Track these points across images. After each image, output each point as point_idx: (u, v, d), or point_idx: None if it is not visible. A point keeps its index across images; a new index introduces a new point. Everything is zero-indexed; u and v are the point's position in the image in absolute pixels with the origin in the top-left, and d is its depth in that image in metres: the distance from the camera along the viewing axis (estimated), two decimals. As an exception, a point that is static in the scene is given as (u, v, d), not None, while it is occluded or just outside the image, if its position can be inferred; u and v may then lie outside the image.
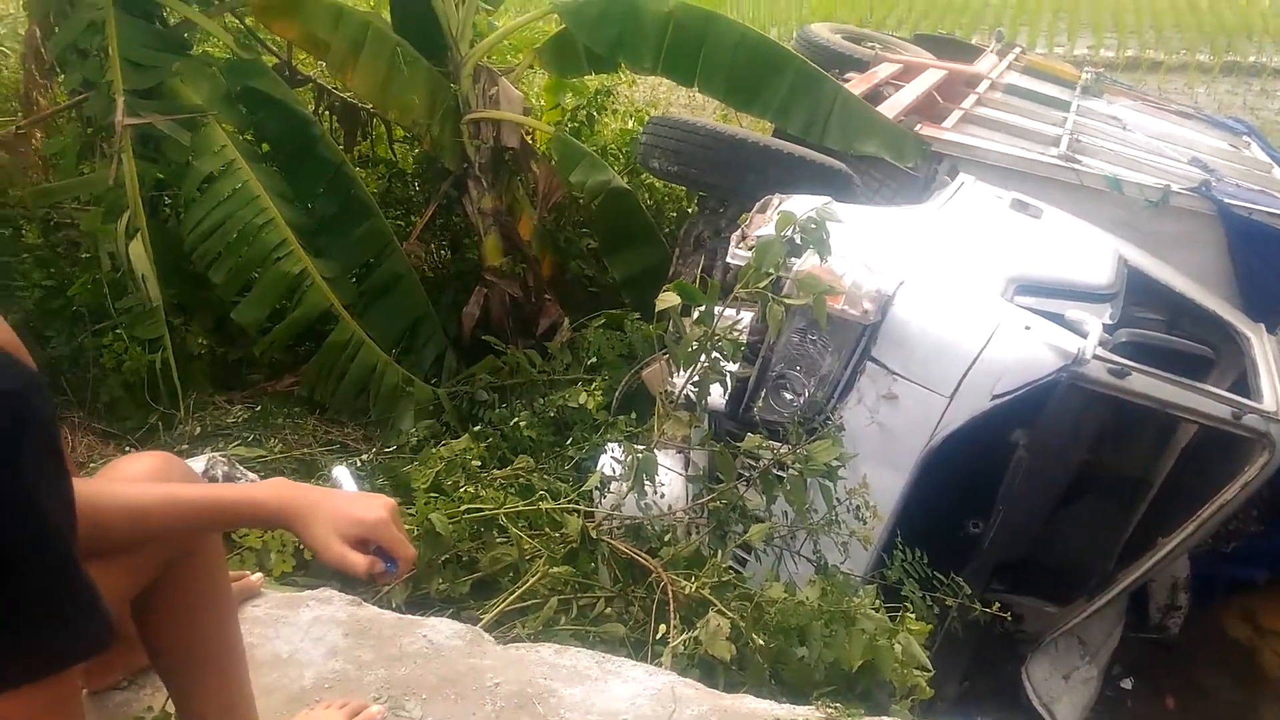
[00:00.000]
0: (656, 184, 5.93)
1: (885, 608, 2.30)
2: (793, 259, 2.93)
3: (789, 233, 2.38)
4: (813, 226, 2.35)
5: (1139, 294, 3.78)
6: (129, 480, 1.26)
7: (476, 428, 3.64)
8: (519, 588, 2.38)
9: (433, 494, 2.70)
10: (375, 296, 4.64)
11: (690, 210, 5.46)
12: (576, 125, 5.62)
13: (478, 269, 4.99)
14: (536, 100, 6.02)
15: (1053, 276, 3.51)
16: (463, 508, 2.58)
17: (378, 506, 1.26)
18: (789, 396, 3.24)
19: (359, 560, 1.22)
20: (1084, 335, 3.07)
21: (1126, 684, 4.07)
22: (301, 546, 2.25)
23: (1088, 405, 3.19)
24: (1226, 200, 3.99)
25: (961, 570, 3.35)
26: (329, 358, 4.19)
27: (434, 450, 3.04)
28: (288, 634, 1.78)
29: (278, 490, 1.24)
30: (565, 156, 4.86)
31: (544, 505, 2.49)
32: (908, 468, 3.07)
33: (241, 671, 1.39)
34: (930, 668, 2.11)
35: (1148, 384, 3.06)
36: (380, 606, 1.96)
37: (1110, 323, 3.40)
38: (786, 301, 2.42)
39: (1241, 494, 3.18)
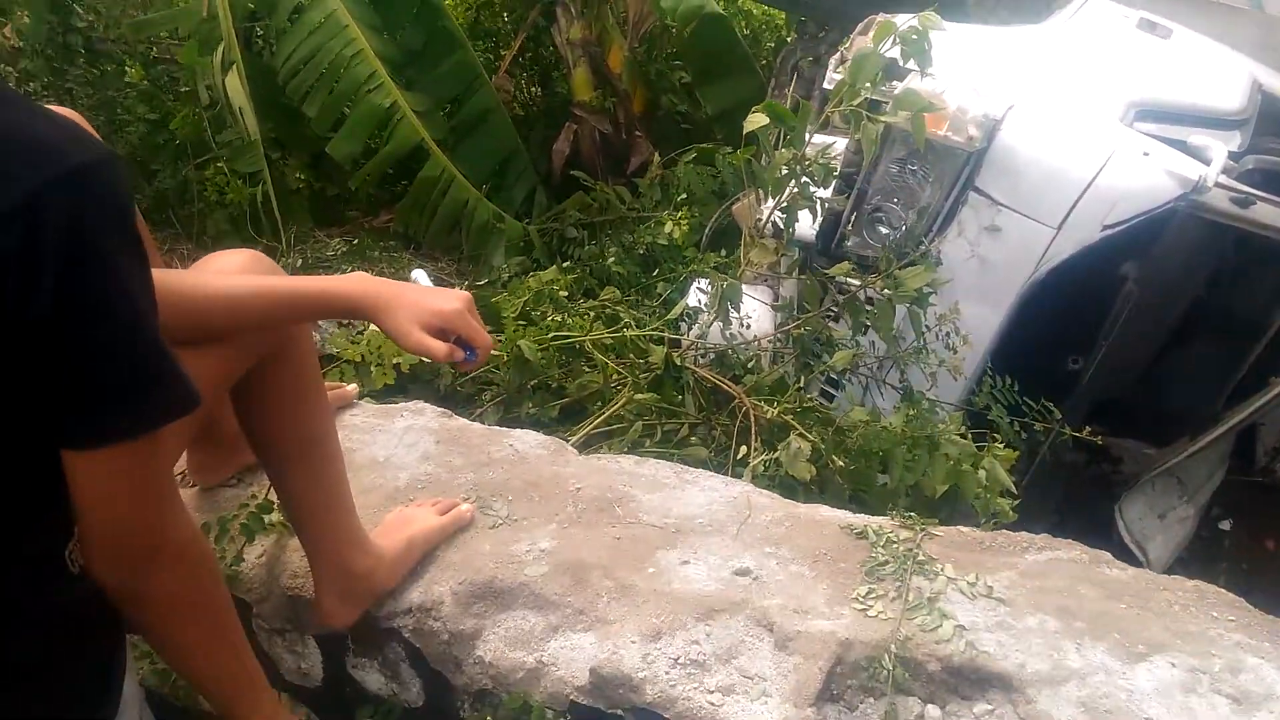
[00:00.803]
0: (754, 10, 5.64)
1: (973, 435, 2.29)
2: (894, 81, 2.79)
3: (888, 44, 2.23)
4: (914, 37, 2.20)
5: (1274, 123, 3.48)
6: (221, 273, 1.31)
7: (565, 263, 3.66)
8: (605, 412, 2.44)
9: (521, 322, 2.75)
10: (466, 132, 4.62)
11: (789, 39, 5.20)
12: (668, -52, 5.33)
13: (567, 104, 4.90)
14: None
15: (1178, 100, 3.25)
16: (550, 335, 2.62)
17: (454, 298, 1.29)
18: (884, 230, 3.14)
19: (439, 346, 1.25)
20: (1207, 162, 2.85)
21: (1225, 525, 3.98)
22: (399, 360, 2.34)
23: (1206, 237, 3.00)
24: (1387, 14, 3.59)
25: (1059, 407, 3.31)
26: (421, 193, 4.23)
27: (523, 281, 3.08)
28: (384, 440, 1.87)
29: (361, 283, 1.28)
30: (657, -24, 4.64)
31: (629, 334, 2.51)
32: (1007, 303, 2.96)
33: (338, 465, 1.46)
34: (1016, 494, 2.09)
35: (1274, 214, 2.84)
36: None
37: (1238, 150, 3.15)
38: (883, 119, 2.30)
39: (1369, 334, 3.00)
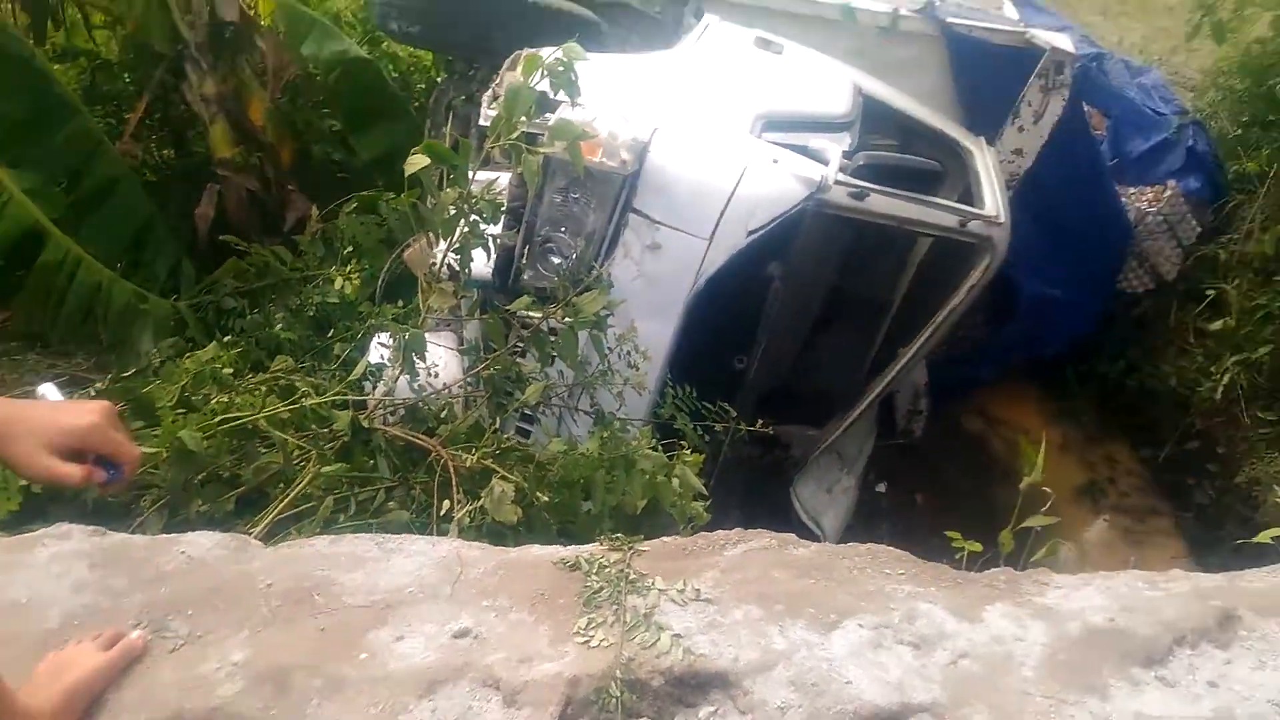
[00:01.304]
0: (401, 52, 5.56)
1: (663, 445, 2.38)
2: (547, 114, 2.86)
3: (537, 77, 2.28)
4: (560, 69, 2.26)
5: (874, 120, 3.95)
6: None
7: (226, 338, 3.38)
8: (290, 494, 2.27)
9: (180, 410, 2.49)
10: (90, 207, 4.14)
11: (440, 79, 5.18)
12: (303, -9, 5.14)
13: (208, 164, 4.55)
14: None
15: (796, 110, 3.60)
16: (216, 420, 2.40)
17: (89, 411, 1.15)
18: (557, 260, 3.21)
19: (72, 471, 1.11)
20: (826, 163, 3.19)
21: (881, 488, 4.50)
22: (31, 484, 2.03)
23: (834, 230, 3.35)
24: (949, 20, 4.20)
25: (730, 405, 3.55)
26: (42, 281, 3.72)
27: (178, 364, 2.79)
28: (24, 577, 1.60)
29: None
30: (294, 27, 4.43)
31: (308, 403, 2.36)
32: (676, 314, 3.13)
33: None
34: (707, 495, 2.21)
35: (884, 203, 3.24)
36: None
37: (850, 149, 3.55)
38: (541, 151, 2.35)
39: (968, 298, 3.48)
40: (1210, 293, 4.51)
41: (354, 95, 4.59)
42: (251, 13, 4.65)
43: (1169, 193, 4.66)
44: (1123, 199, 4.75)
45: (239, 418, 2.33)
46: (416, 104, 5.43)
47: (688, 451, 2.26)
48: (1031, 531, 1.98)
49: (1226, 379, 4.14)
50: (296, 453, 2.30)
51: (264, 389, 2.59)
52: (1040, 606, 1.52)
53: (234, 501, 2.26)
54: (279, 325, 3.40)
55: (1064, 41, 4.08)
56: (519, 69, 3.44)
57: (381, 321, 2.99)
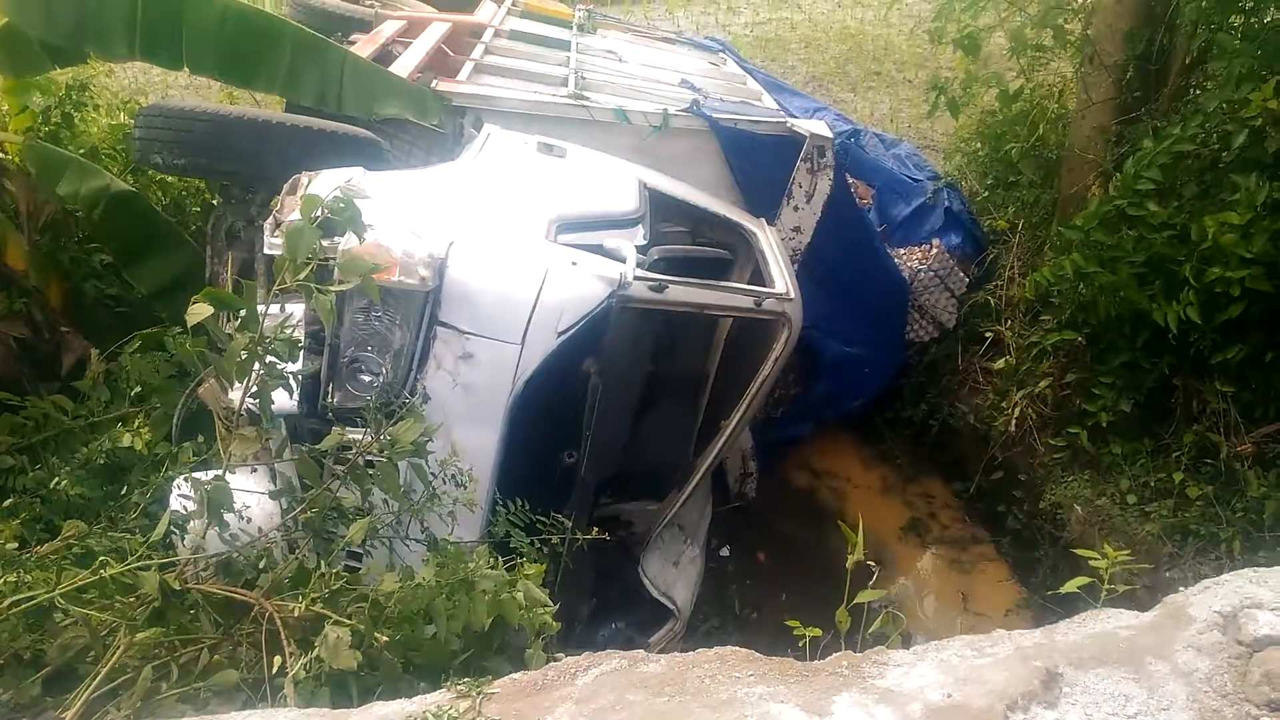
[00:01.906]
0: (170, 178, 5.32)
1: (504, 559, 2.36)
2: (336, 239, 2.82)
3: (317, 216, 2.25)
4: (341, 206, 2.24)
5: (663, 211, 4.15)
6: None
7: (7, 501, 3.08)
8: (103, 668, 2.08)
9: (-39, 597, 2.24)
10: None
11: (215, 201, 4.99)
12: (53, 128, 4.84)
13: (-36, 316, 4.17)
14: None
15: (587, 211, 3.72)
16: (6, 602, 2.18)
17: None
18: (367, 379, 3.15)
19: None
20: (623, 260, 3.31)
21: (725, 552, 4.62)
22: None
23: (641, 320, 3.47)
24: (715, 115, 4.49)
25: (567, 499, 3.56)
26: None
27: (-47, 544, 2.51)
28: None
29: None
30: (45, 167, 4.18)
31: (108, 571, 2.17)
32: (499, 420, 3.14)
33: None
34: (551, 603, 2.19)
35: (683, 292, 3.40)
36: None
37: (644, 243, 3.70)
38: (333, 289, 2.30)
39: (775, 368, 3.69)
40: (989, 335, 4.95)
41: (122, 230, 4.34)
42: (-1, 156, 4.35)
43: (935, 250, 5.13)
44: (896, 260, 5.18)
45: (32, 597, 2.11)
46: (195, 228, 5.20)
47: (526, 564, 2.24)
48: (865, 606, 2.09)
49: (1017, 412, 4.53)
50: (105, 623, 2.11)
51: (57, 559, 2.36)
52: (884, 690, 1.59)
53: (39, 684, 2.04)
54: (65, 481, 3.13)
55: (821, 128, 4.45)
56: (299, 194, 3.41)
57: (180, 470, 2.81)
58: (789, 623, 2.12)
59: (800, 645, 2.03)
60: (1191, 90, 4.36)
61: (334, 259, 2.64)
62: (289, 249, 2.21)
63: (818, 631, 2.07)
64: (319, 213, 2.23)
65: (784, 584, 4.37)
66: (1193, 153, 3.80)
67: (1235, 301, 3.54)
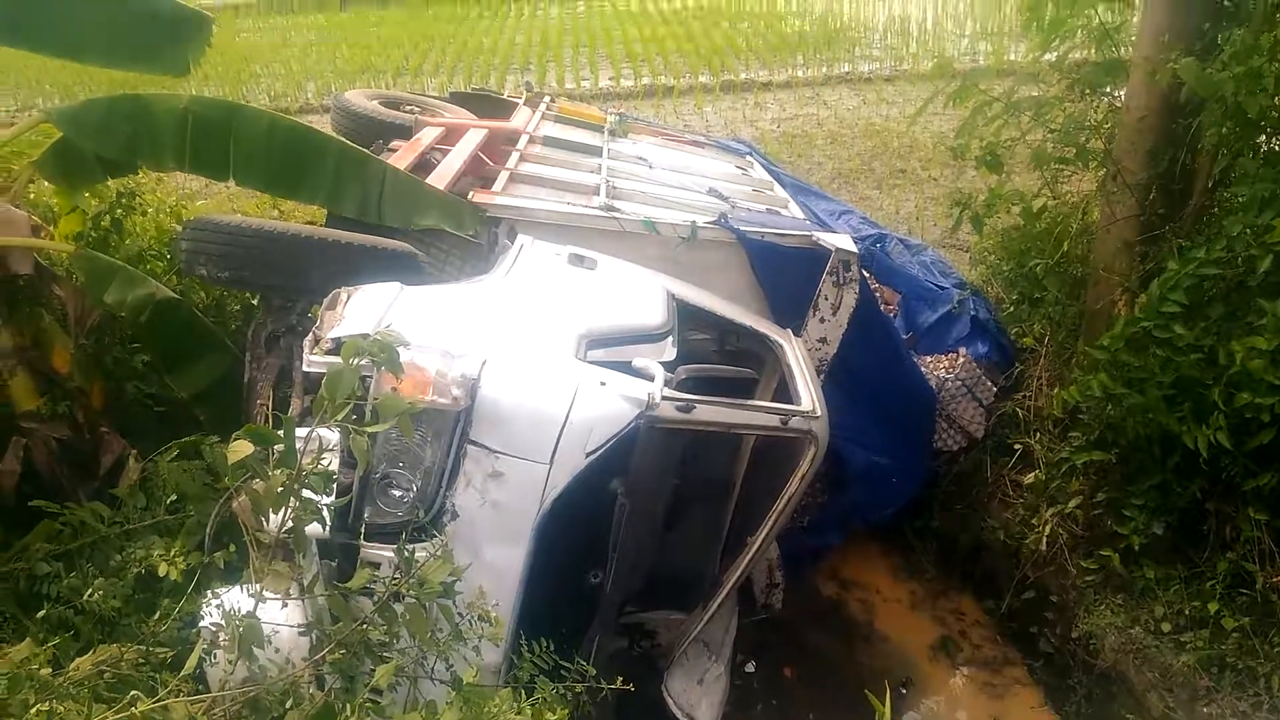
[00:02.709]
0: (213, 283, 5.49)
1: (525, 690, 2.36)
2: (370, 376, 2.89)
3: (356, 361, 2.33)
4: (381, 352, 2.32)
5: (690, 321, 4.22)
6: None
7: (40, 613, 3.14)
8: (129, 804, 2.10)
9: (-5, 724, 2.28)
10: None
11: (254, 301, 5.14)
12: (102, 234, 5.03)
13: (9, 418, 4.28)
14: (51, 210, 5.29)
15: (616, 326, 3.80)
16: (40, 733, 2.21)
17: None
18: (397, 494, 3.21)
19: None
20: (651, 378, 3.37)
21: (750, 668, 4.56)
22: None
23: (667, 439, 3.52)
24: (742, 228, 4.59)
25: (592, 616, 3.56)
26: None
27: (-10, 659, 2.55)
28: None
29: None
30: (93, 276, 4.33)
31: (138, 710, 2.20)
32: (526, 538, 3.17)
33: None
34: (576, 753, 2.19)
35: (711, 412, 3.45)
36: None
37: (671, 358, 3.76)
38: (370, 429, 2.37)
39: (802, 485, 3.70)
40: (1018, 447, 4.92)
41: (165, 335, 4.47)
42: (47, 263, 4.51)
43: (961, 359, 5.16)
44: (923, 367, 5.21)
45: (64, 733, 2.15)
46: (233, 327, 5.35)
47: (550, 706, 2.25)
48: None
49: (1048, 530, 4.46)
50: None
51: (90, 684, 2.40)
52: None
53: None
54: (99, 592, 3.19)
55: (846, 242, 4.53)
56: (338, 310, 3.52)
57: (209, 605, 2.85)
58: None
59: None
60: (1215, 210, 4.40)
61: (372, 403, 2.72)
62: (328, 389, 2.28)
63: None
64: (358, 358, 2.31)
65: (812, 702, 4.30)
66: (1218, 276, 3.83)
67: (1266, 428, 3.52)
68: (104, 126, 4.11)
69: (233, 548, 3.21)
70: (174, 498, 3.80)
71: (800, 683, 4.53)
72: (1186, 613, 3.88)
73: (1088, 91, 4.86)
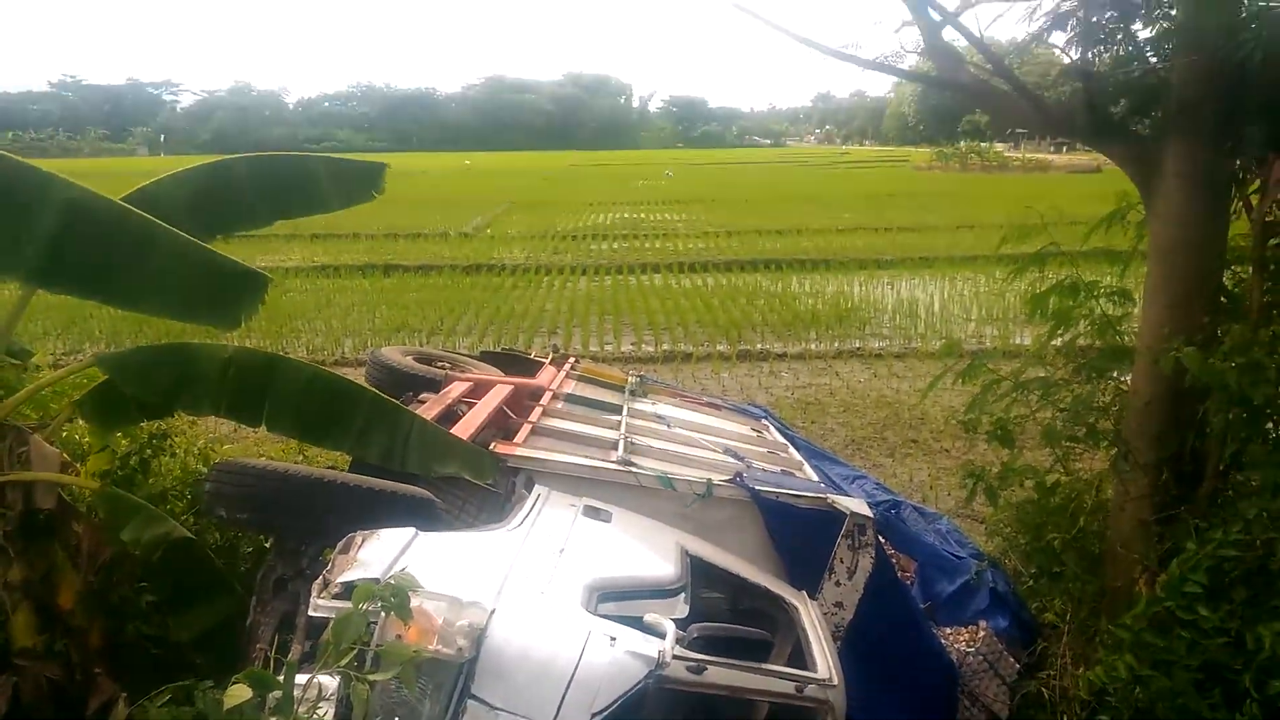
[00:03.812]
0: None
1: None
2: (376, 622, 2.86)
3: (367, 607, 2.33)
4: (392, 598, 2.32)
5: (704, 578, 4.17)
6: None
7: None
8: None
9: None
10: None
11: (267, 544, 5.14)
12: (129, 473, 5.14)
13: (4, 654, 4.19)
14: (81, 448, 5.45)
15: (628, 578, 3.77)
16: None
17: None
18: (390, 746, 3.06)
19: None
20: (662, 636, 3.30)
21: None
22: None
23: (677, 698, 3.38)
24: (757, 487, 4.65)
25: None
26: None
27: None
28: None
29: None
30: (114, 513, 4.39)
31: None
32: (522, 806, 2.98)
33: None
34: None
35: (722, 674, 3.34)
36: None
37: (684, 616, 3.69)
38: (372, 679, 2.32)
39: (818, 757, 3.50)
40: (1048, 733, 4.67)
41: (175, 574, 4.48)
42: (70, 499, 4.59)
43: (983, 634, 5.01)
44: (943, 640, 5.05)
45: None
46: (244, 569, 5.31)
47: None
48: None
49: (1084, 828, 4.15)
50: None
51: None
52: None
53: None
54: None
55: (861, 506, 4.57)
56: (351, 554, 3.52)
57: None
58: None
59: None
60: (1229, 492, 4.43)
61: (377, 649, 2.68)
62: (335, 634, 2.26)
63: None
64: (369, 603, 2.31)
65: None
66: (1237, 557, 3.79)
67: (1303, 718, 3.36)
68: (148, 372, 4.32)
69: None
70: (160, 748, 3.62)
71: None
72: None
73: (1094, 375, 5.05)
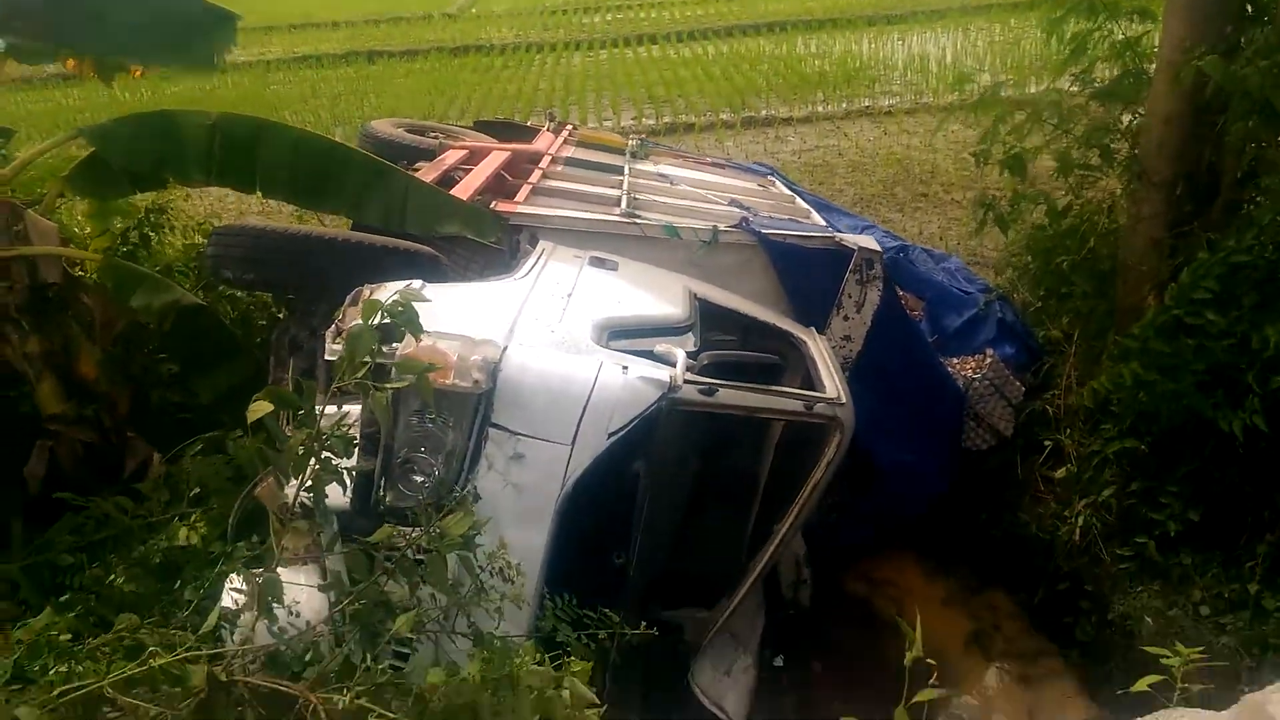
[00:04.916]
0: (239, 293, 5.56)
1: (550, 656, 2.32)
2: (394, 344, 2.90)
3: (377, 318, 2.33)
4: (400, 309, 2.32)
5: (713, 321, 4.21)
6: None
7: (63, 597, 3.13)
8: (147, 762, 2.06)
9: (15, 686, 2.26)
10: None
11: (281, 315, 5.19)
12: (130, 248, 5.12)
13: (35, 421, 4.33)
14: (81, 229, 5.40)
15: (637, 318, 3.80)
16: (56, 692, 2.18)
17: None
18: (419, 479, 3.19)
19: None
20: (673, 364, 3.35)
21: (778, 661, 4.46)
22: None
23: (690, 424, 3.48)
24: (763, 230, 4.59)
25: (617, 601, 3.50)
26: None
27: (9, 634, 2.55)
28: None
29: None
30: (121, 282, 4.41)
31: (156, 662, 2.18)
32: (548, 520, 3.14)
33: None
34: (599, 702, 2.14)
35: (733, 395, 3.42)
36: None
37: (694, 349, 3.75)
38: (389, 387, 2.36)
39: (828, 472, 3.65)
40: (1048, 443, 4.85)
41: (190, 341, 4.54)
42: (77, 273, 4.59)
43: (989, 360, 5.10)
44: (950, 369, 5.15)
45: (82, 686, 2.12)
46: (259, 339, 5.39)
47: (574, 661, 2.20)
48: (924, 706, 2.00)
49: (1081, 521, 4.38)
50: (152, 716, 2.10)
51: (108, 651, 2.38)
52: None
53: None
54: (120, 577, 3.18)
55: (870, 242, 4.53)
56: (360, 307, 3.54)
57: (233, 566, 2.84)
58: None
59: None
60: (1244, 204, 4.36)
61: (391, 362, 2.72)
62: (348, 349, 2.29)
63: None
64: (379, 315, 2.31)
65: (840, 694, 4.18)
66: (1249, 263, 3.77)
67: (1304, 409, 3.45)
68: (133, 141, 4.21)
69: (255, 537, 3.20)
70: (197, 491, 3.81)
71: (829, 675, 4.44)
72: (1226, 595, 3.77)
73: (1112, 100, 4.87)
